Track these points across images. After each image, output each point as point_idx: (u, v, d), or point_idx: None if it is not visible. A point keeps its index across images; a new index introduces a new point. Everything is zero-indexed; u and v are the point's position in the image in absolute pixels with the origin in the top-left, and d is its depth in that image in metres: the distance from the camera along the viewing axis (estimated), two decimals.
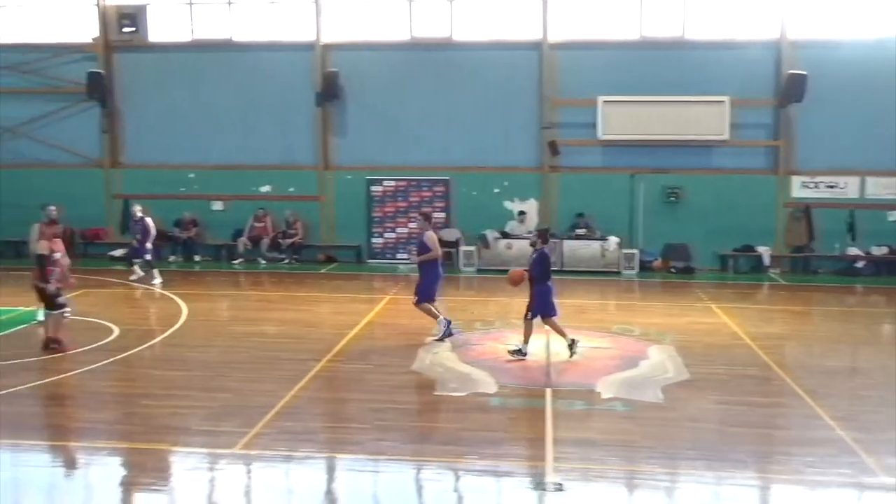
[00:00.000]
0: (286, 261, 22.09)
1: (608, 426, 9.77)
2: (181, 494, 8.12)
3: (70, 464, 8.95)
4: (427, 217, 14.03)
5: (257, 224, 22.32)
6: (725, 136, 21.05)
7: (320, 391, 11.32)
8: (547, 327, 12.86)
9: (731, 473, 8.45)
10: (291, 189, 22.71)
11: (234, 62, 22.60)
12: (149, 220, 19.24)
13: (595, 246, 21.11)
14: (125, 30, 22.54)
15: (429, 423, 9.90)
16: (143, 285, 18.79)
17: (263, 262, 21.92)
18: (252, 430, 9.47)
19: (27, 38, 23.07)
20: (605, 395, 10.83)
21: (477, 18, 22.04)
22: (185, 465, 8.82)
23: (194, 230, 22.59)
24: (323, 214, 22.64)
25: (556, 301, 12.92)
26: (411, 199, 22.48)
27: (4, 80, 23.00)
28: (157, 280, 18.91)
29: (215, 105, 22.73)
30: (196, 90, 22.77)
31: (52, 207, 15.51)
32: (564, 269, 20.73)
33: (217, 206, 22.94)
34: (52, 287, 12.74)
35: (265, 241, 22.18)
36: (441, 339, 13.42)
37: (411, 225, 22.30)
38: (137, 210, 19.45)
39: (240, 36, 22.67)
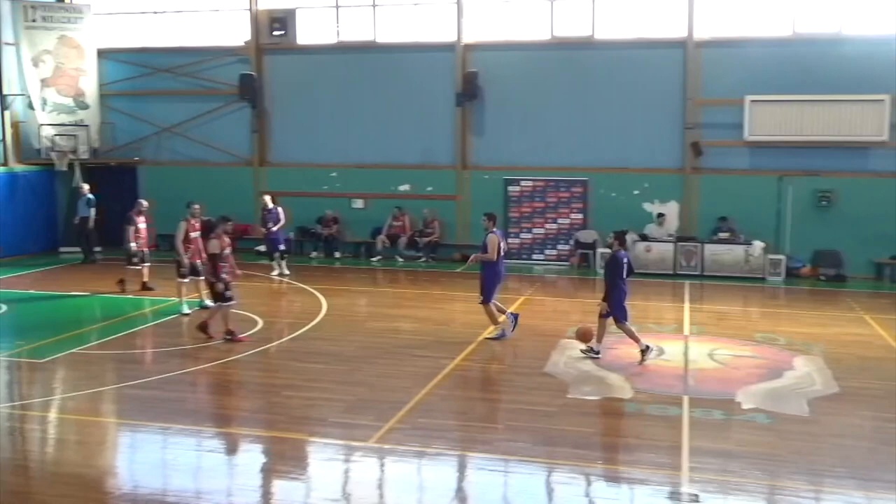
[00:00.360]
0: (422, 259, 22.38)
1: (748, 438, 9.40)
2: (317, 484, 8.35)
3: (215, 448, 9.35)
4: (492, 218, 14.08)
5: (395, 222, 22.72)
6: (885, 136, 19.87)
7: (453, 389, 11.40)
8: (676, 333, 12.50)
9: (883, 496, 7.97)
10: (429, 188, 22.99)
11: (377, 63, 23.07)
12: (280, 210, 20.14)
13: (738, 251, 20.36)
14: (275, 33, 23.39)
15: (561, 425, 9.81)
16: (286, 279, 19.45)
17: (400, 259, 22.29)
18: (386, 425, 9.64)
19: (184, 43, 24.31)
20: (745, 406, 10.43)
21: (619, 16, 21.67)
22: (322, 455, 9.08)
23: (335, 227, 23.20)
24: (459, 214, 22.80)
25: (627, 305, 12.79)
26: (549, 199, 22.33)
27: (163, 82, 24.30)
28: (284, 271, 19.65)
29: (358, 106, 23.28)
30: (340, 91, 23.39)
31: (197, 205, 16.28)
32: (705, 273, 20.11)
33: (358, 204, 23.49)
34: (220, 285, 13.40)
35: (402, 240, 22.55)
36: (497, 339, 13.64)
37: (548, 226, 22.20)
38: (268, 200, 20.32)
39: (383, 38, 23.13)
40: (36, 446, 9.60)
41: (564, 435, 9.51)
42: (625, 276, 12.63)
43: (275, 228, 19.95)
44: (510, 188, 22.48)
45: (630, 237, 20.73)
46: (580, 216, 22.04)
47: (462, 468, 8.85)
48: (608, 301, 12.56)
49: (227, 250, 13.64)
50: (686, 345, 13.37)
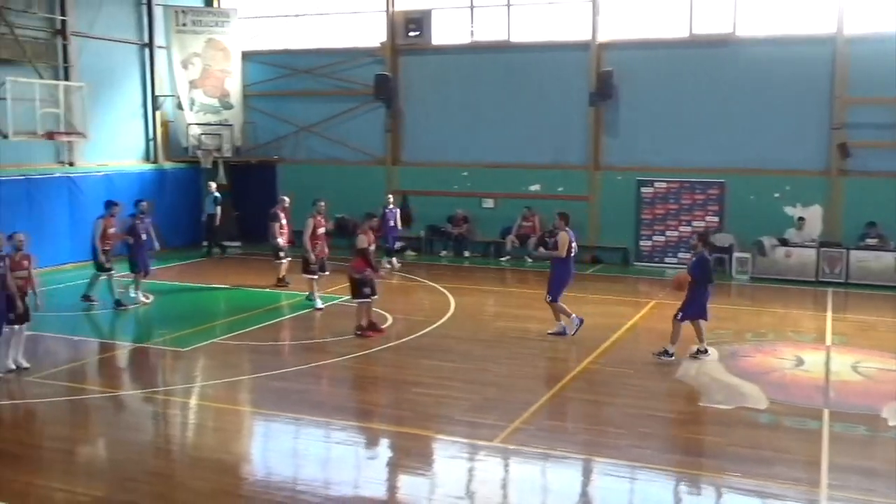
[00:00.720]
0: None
1: (895, 457, 8.87)
2: (442, 481, 8.41)
3: (344, 441, 9.57)
4: (564, 217, 14.23)
5: (525, 223, 22.63)
6: None
7: (580, 392, 11.27)
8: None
9: None
10: (560, 189, 22.79)
11: (510, 63, 23.06)
12: (397, 211, 21.10)
13: (888, 258, 19.23)
14: (411, 34, 23.73)
15: (691, 434, 9.53)
16: (414, 277, 19.72)
17: (530, 260, 22.16)
18: (511, 425, 9.62)
19: (323, 44, 24.99)
20: (892, 422, 9.86)
21: (763, 12, 20.86)
22: (447, 452, 9.14)
23: (465, 227, 23.33)
24: (590, 215, 22.51)
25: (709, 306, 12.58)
26: (683, 201, 21.75)
27: (302, 83, 25.06)
28: (391, 267, 20.15)
29: (490, 105, 23.34)
30: (472, 91, 23.50)
31: (322, 202, 16.74)
32: (850, 281, 19.11)
33: (488, 203, 23.54)
34: (366, 279, 13.65)
35: (532, 240, 22.36)
36: (557, 334, 13.80)
37: (682, 229, 21.63)
38: (390, 199, 21.17)
39: (517, 37, 23.10)
40: (177, 431, 10.08)
41: (694, 444, 9.24)
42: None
43: (392, 224, 20.78)
44: (643, 189, 22.03)
45: (768, 241, 20.00)
46: (716, 219, 21.36)
47: (587, 472, 8.74)
48: (694, 303, 12.39)
49: (372, 247, 13.97)
50: (827, 355, 12.75)
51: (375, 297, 13.94)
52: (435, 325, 14.74)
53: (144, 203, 16.76)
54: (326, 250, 16.51)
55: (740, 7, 20.91)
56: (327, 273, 16.38)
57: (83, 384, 11.54)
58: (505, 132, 23.23)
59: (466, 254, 23.18)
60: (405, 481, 8.47)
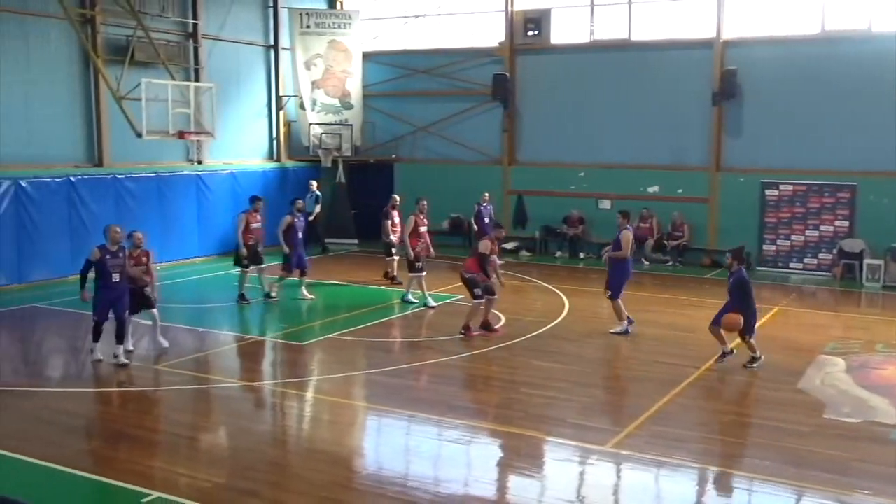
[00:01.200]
0: (669, 263, 21.74)
1: None
2: (551, 483, 8.34)
3: (454, 439, 9.61)
4: (626, 216, 14.29)
5: (642, 224, 22.21)
6: None
7: (697, 399, 10.98)
8: None
9: None
10: (679, 190, 22.27)
11: (630, 62, 22.68)
12: (491, 207, 21.46)
13: None
14: (529, 33, 23.66)
15: (813, 447, 9.13)
16: (527, 277, 19.64)
17: (646, 262, 21.77)
18: (624, 430, 9.46)
19: (441, 45, 25.21)
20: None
21: None
22: (557, 455, 9.07)
23: (581, 227, 23.09)
24: (710, 217, 21.91)
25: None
26: (810, 205, 20.89)
27: (420, 83, 25.34)
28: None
29: (608, 105, 23.02)
30: (590, 90, 23.23)
31: (424, 201, 16.96)
32: None
33: (604, 204, 23.22)
34: (481, 286, 13.66)
35: (649, 242, 22.01)
36: (619, 333, 13.90)
37: (808, 233, 20.80)
38: (486, 196, 21.46)
39: (637, 35, 22.71)
40: (293, 422, 10.35)
41: (817, 458, 8.85)
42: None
43: (487, 221, 20.85)
44: (767, 192, 21.26)
45: None
46: (845, 224, 20.43)
47: (702, 482, 8.50)
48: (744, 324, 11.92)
49: (493, 256, 14.00)
50: None
51: (493, 297, 13.89)
52: (548, 326, 14.64)
53: (301, 202, 17.18)
54: (431, 250, 16.69)
55: (876, 0, 19.92)
56: (424, 273, 16.45)
57: (207, 374, 11.99)
58: (623, 132, 22.87)
59: (582, 255, 22.93)
60: (515, 482, 8.45)
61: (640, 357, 12.70)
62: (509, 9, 23.93)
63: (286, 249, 16.28)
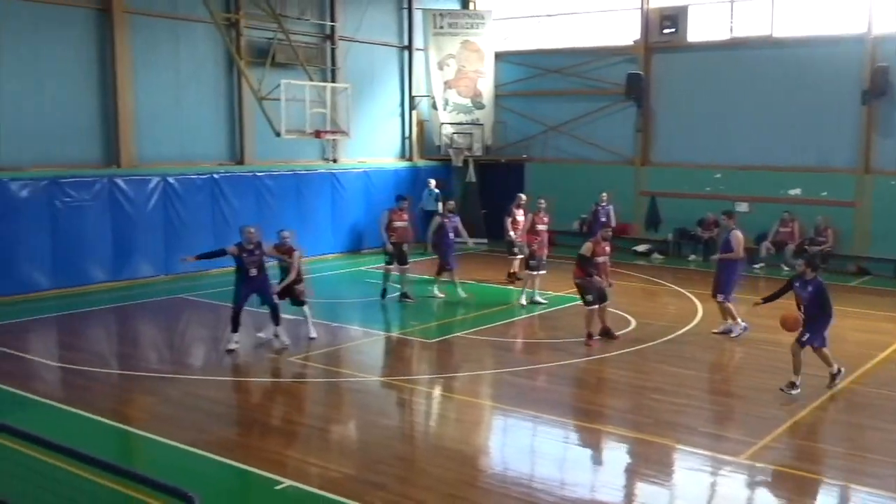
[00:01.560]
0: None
1: None
2: (681, 492, 8.12)
3: (581, 442, 9.51)
4: (731, 216, 14.14)
5: (783, 229, 21.32)
6: None
7: (839, 413, 10.46)
8: None
9: None
10: (824, 193, 21.26)
11: (772, 59, 21.81)
12: (611, 208, 21.15)
13: None
14: (665, 31, 23.12)
15: None
16: (660, 281, 19.20)
17: (786, 268, 20.88)
18: (760, 442, 9.10)
19: (574, 44, 24.97)
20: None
21: None
22: (687, 464, 8.82)
23: (716, 230, 22.38)
24: (857, 222, 20.82)
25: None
26: None
27: (552, 82, 25.17)
28: None
29: (747, 104, 22.22)
30: (729, 89, 22.48)
31: (543, 201, 16.98)
32: None
33: (742, 207, 22.40)
34: (593, 293, 13.28)
35: (790, 247, 21.08)
36: (724, 333, 13.69)
37: None
38: (604, 196, 21.24)
39: (780, 32, 21.84)
40: (421, 418, 10.49)
41: None
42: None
43: (603, 220, 20.78)
44: None
45: None
46: None
47: (843, 500, 8.10)
48: (817, 331, 10.80)
49: (603, 258, 13.64)
50: None
51: (604, 303, 13.49)
52: (680, 332, 14.26)
53: (452, 202, 17.49)
54: (545, 248, 16.58)
55: None
56: (543, 272, 16.32)
57: (338, 367, 12.29)
58: (763, 132, 22.04)
59: (715, 258, 22.22)
60: (643, 489, 8.27)
61: (778, 366, 12.16)
62: (645, 6, 23.46)
63: (429, 249, 16.66)
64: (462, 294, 16.69)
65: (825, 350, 10.96)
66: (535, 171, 25.43)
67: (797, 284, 11.07)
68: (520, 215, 17.86)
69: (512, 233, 17.88)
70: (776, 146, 21.86)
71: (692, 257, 22.56)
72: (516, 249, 18.13)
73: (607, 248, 13.83)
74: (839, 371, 11.03)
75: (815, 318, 10.80)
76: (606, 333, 13.54)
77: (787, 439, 9.28)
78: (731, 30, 22.55)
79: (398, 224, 16.40)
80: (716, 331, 13.92)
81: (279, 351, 12.73)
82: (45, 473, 6.73)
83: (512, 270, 18.54)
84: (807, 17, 21.51)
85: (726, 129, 22.58)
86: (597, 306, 13.34)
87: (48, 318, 15.07)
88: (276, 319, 12.86)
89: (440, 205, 23.03)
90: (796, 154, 21.64)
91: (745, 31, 22.32)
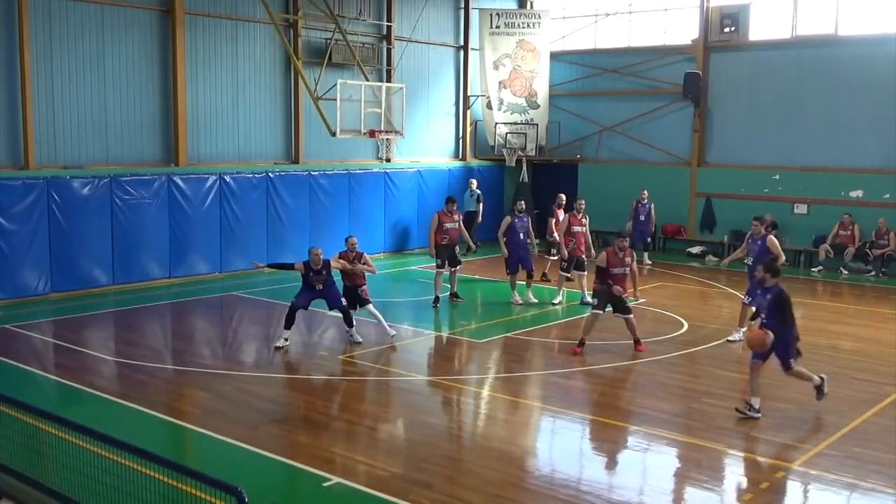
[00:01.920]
0: (872, 273, 20.29)
1: None
2: (731, 498, 8.01)
3: (630, 445, 9.41)
4: (761, 220, 14.04)
5: (843, 231, 20.85)
6: None
7: None
8: None
9: None
10: (886, 195, 20.73)
11: (835, 58, 21.33)
12: (651, 205, 21.44)
13: None
14: (726, 30, 22.75)
15: None
16: (714, 283, 18.92)
17: (845, 272, 20.45)
18: (814, 449, 8.93)
19: (630, 43, 24.74)
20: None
21: None
22: (739, 469, 8.69)
23: (773, 232, 21.97)
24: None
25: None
26: None
27: (607, 82, 24.97)
28: (645, 261, 20.77)
29: (808, 104, 21.78)
30: (788, 88, 22.05)
31: (581, 201, 16.83)
32: None
33: (800, 209, 22.00)
34: (600, 292, 12.86)
35: (850, 251, 20.62)
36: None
37: None
38: (645, 194, 21.54)
39: (845, 30, 21.35)
40: (468, 418, 10.48)
41: None
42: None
43: (642, 219, 21.28)
44: None
45: None
46: None
47: None
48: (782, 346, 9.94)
49: (620, 269, 12.82)
50: None
51: (626, 315, 12.85)
52: (733, 336, 14.02)
53: (522, 202, 17.20)
54: (582, 249, 16.28)
55: None
56: (584, 273, 16.18)
57: (387, 366, 12.36)
58: (823, 133, 21.58)
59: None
60: (693, 494, 8.16)
61: (836, 372, 11.91)
62: (705, 4, 23.13)
63: (504, 252, 16.47)
64: (533, 299, 16.47)
65: (797, 369, 10.23)
66: (589, 171, 25.25)
67: (758, 293, 10.49)
68: (561, 216, 17.74)
69: (555, 234, 17.76)
70: (837, 147, 21.39)
71: (748, 259, 22.12)
72: (554, 251, 18.04)
73: (627, 259, 12.89)
74: (822, 380, 10.35)
75: (776, 330, 9.83)
76: (636, 343, 12.99)
77: (843, 446, 9.07)
78: (794, 28, 22.11)
79: (448, 226, 16.33)
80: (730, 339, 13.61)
81: (354, 345, 13.03)
82: (99, 466, 6.89)
83: (545, 270, 18.67)
84: (872, 15, 20.99)
85: (786, 129, 22.16)
86: (600, 312, 12.80)
87: (106, 313, 15.44)
88: (348, 322, 13.11)
89: (481, 205, 23.03)
90: (858, 155, 21.15)
91: (809, 30, 21.86)
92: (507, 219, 16.69)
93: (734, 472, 8.64)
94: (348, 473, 8.27)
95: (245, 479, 8.28)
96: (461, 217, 17.04)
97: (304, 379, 11.80)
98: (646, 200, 21.48)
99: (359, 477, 8.22)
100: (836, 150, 21.41)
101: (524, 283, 16.69)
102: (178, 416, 10.00)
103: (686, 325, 14.55)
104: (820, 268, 20.89)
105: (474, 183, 23.27)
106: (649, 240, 21.82)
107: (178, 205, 18.07)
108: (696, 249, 22.70)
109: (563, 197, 18.57)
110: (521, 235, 16.45)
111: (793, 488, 8.23)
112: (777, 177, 22.32)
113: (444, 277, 16.51)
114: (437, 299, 16.13)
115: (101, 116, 17.46)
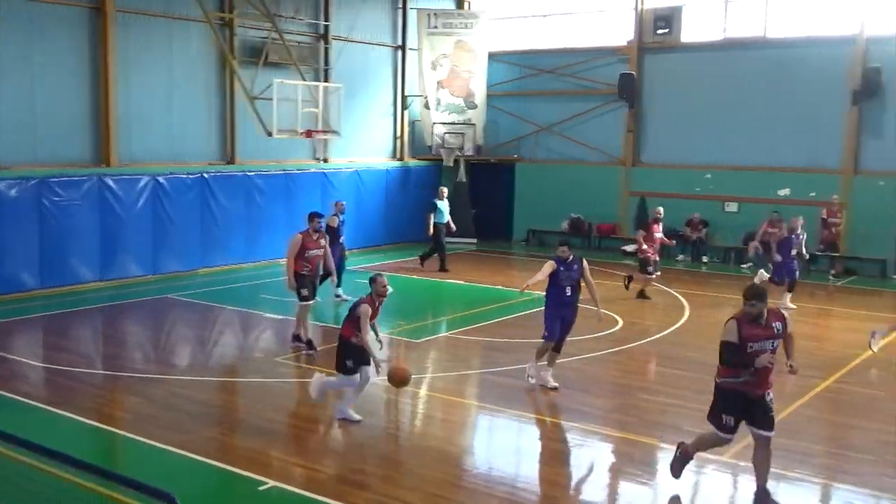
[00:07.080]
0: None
1: None
2: (665, 491, 8.15)
3: (566, 441, 9.52)
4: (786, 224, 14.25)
5: (771, 229, 21.32)
6: None
7: (822, 412, 10.52)
8: None
9: None
10: (812, 194, 21.32)
11: (764, 59, 21.86)
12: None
13: None
14: (659, 31, 23.15)
15: None
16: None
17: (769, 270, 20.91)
18: (744, 441, 9.11)
19: (567, 44, 25.00)
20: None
21: None
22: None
23: (704, 231, 22.46)
24: (845, 222, 20.86)
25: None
26: None
27: (544, 82, 25.19)
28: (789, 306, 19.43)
29: (737, 104, 22.28)
30: (720, 89, 22.53)
31: (660, 210, 17.66)
32: None
33: (731, 207, 22.50)
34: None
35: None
36: None
37: None
38: (800, 221, 19.37)
39: (774, 32, 21.89)
40: (406, 418, 10.48)
41: None
42: None
43: (794, 252, 19.76)
44: None
45: None
46: None
47: (825, 499, 8.15)
48: None
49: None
50: None
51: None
52: (667, 332, 14.31)
53: (566, 248, 11.15)
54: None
55: None
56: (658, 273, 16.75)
57: (322, 367, 12.25)
58: (753, 133, 22.11)
59: (705, 259, 22.32)
60: (627, 488, 8.30)
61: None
62: (639, 6, 23.50)
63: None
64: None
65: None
66: (526, 171, 25.46)
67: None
68: (657, 231, 17.23)
69: (648, 251, 17.05)
70: (767, 147, 21.94)
71: (680, 258, 22.60)
72: (651, 268, 17.13)
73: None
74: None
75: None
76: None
77: (773, 438, 9.28)
78: (725, 30, 22.60)
79: (312, 252, 13.14)
80: None
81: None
82: (26, 475, 6.72)
83: (643, 288, 17.31)
84: (800, 18, 21.58)
85: (717, 129, 22.64)
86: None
87: (34, 318, 15.02)
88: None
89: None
90: (786, 155, 21.72)
91: (739, 32, 22.38)
92: (551, 263, 11.02)
93: (667, 466, 8.78)
94: (284, 476, 8.20)
95: (178, 484, 8.13)
96: (328, 240, 13.61)
97: (238, 382, 11.66)
98: (799, 231, 16.71)
99: (295, 480, 8.16)
100: (765, 150, 21.95)
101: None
102: (109, 422, 9.80)
103: (621, 322, 14.77)
104: (750, 264, 21.35)
105: (445, 191, 20.94)
106: (797, 276, 16.88)
107: (110, 206, 17.67)
108: (630, 248, 22.99)
109: (661, 210, 18.09)
110: (569, 292, 11.15)
111: (723, 480, 8.42)
112: (709, 176, 22.80)
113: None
114: (310, 343, 12.87)
115: (30, 116, 17.00)
